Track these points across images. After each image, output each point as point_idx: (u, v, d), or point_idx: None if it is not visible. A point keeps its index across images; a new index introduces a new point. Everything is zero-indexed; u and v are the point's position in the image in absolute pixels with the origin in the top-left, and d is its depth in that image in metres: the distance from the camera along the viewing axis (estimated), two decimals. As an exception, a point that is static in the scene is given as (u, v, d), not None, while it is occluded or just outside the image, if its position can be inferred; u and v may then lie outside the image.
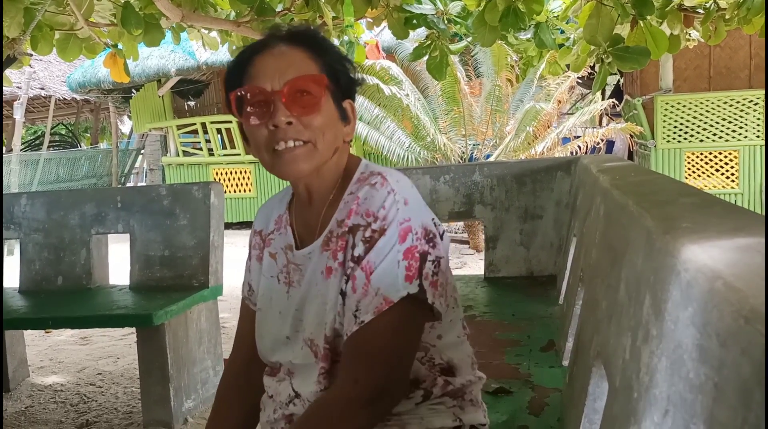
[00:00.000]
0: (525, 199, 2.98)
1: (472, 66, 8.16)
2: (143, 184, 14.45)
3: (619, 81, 10.08)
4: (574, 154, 7.28)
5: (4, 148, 17.70)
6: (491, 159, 7.37)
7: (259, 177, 9.82)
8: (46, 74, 12.65)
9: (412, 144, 7.56)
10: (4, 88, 9.89)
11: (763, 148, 6.99)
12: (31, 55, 4.90)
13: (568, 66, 3.91)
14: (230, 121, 9.80)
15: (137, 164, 14.86)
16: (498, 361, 1.86)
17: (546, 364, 1.81)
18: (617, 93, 10.17)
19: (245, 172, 9.89)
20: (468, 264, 6.04)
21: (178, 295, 2.77)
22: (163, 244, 3.02)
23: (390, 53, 8.27)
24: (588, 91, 10.95)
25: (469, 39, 3.95)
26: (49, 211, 3.21)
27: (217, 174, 10.03)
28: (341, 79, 1.08)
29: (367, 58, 4.44)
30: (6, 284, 3.37)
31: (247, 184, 9.88)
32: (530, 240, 2.95)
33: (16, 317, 2.80)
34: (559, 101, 7.72)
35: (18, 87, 10.67)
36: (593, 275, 1.30)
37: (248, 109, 1.03)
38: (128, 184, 14.29)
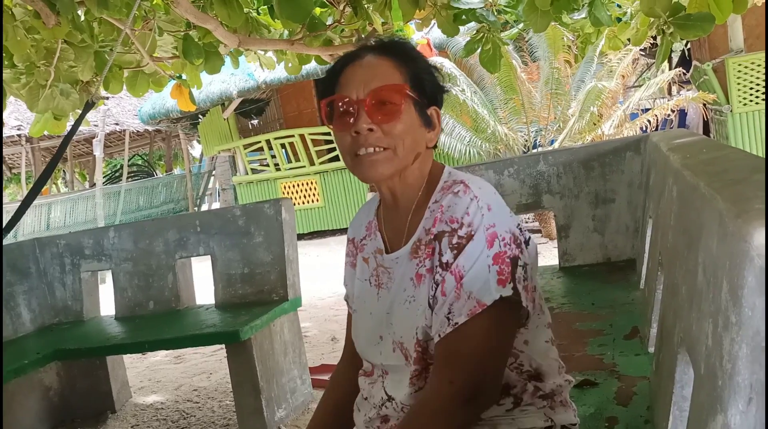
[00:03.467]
0: (594, 184, 2.91)
1: (527, 51, 8.01)
2: (217, 204, 14.97)
3: (685, 47, 9.64)
4: (644, 129, 7.02)
5: (86, 184, 18.73)
6: (556, 144, 7.22)
7: (325, 187, 9.99)
8: (118, 110, 13.34)
9: (472, 138, 7.50)
10: (82, 127, 10.48)
11: None
12: (108, 97, 5.19)
13: (629, 40, 3.79)
14: (293, 136, 10.02)
15: (210, 186, 15.41)
16: (580, 352, 1.83)
17: (631, 352, 1.77)
18: (685, 60, 9.73)
19: (311, 183, 10.08)
20: (542, 253, 5.94)
21: (261, 309, 2.87)
22: (242, 262, 3.14)
23: (442, 50, 8.24)
24: (654, 60, 10.53)
25: (521, 26, 3.89)
26: (135, 240, 3.39)
27: (284, 187, 10.27)
28: (426, 87, 1.12)
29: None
30: (103, 312, 3.59)
31: (314, 195, 10.07)
32: (604, 225, 2.88)
33: (116, 343, 2.99)
34: (623, 76, 7.46)
35: (95, 125, 11.30)
36: (672, 259, 1.27)
37: (336, 116, 1.09)
38: (203, 206, 14.84)
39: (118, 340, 3.01)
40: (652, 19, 2.65)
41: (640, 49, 7.60)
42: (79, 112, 4.95)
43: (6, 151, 15.41)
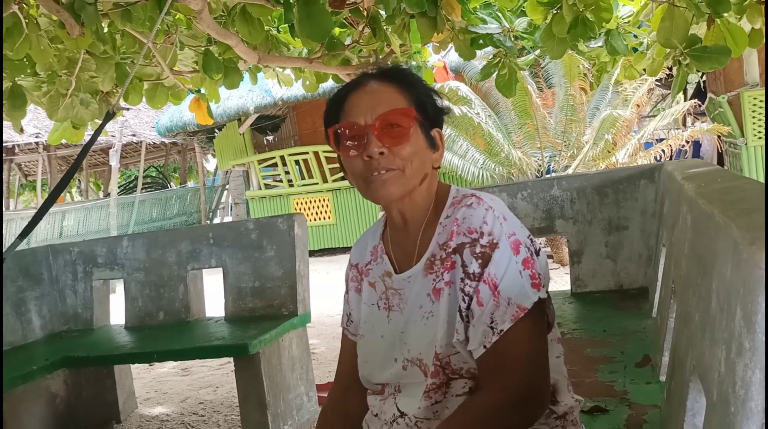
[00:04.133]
0: (608, 211, 2.91)
1: (543, 77, 8.05)
2: (229, 218, 15.06)
3: (701, 79, 9.65)
4: (659, 158, 7.01)
5: (101, 193, 18.91)
6: (570, 170, 7.22)
7: (337, 204, 10.04)
8: (136, 122, 13.50)
9: (486, 161, 7.52)
10: (99, 137, 10.63)
11: None
12: (128, 108, 5.27)
13: (644, 69, 3.81)
14: (307, 153, 10.10)
15: (223, 200, 15.52)
16: (591, 379, 1.82)
17: (642, 380, 1.76)
18: (700, 91, 9.74)
19: (324, 200, 10.13)
20: (553, 279, 5.92)
21: (270, 324, 2.88)
22: (253, 275, 3.16)
23: (458, 73, 8.30)
24: (669, 90, 10.54)
25: (537, 52, 3.92)
26: (148, 250, 3.42)
27: (297, 204, 10.33)
28: (429, 110, 1.16)
29: (435, 80, 4.50)
30: (113, 321, 3.61)
31: (326, 212, 10.11)
32: (617, 252, 2.88)
33: (124, 352, 3.00)
34: (638, 105, 7.48)
35: (112, 136, 11.44)
36: (685, 287, 1.27)
37: (345, 142, 1.13)
38: (216, 219, 14.93)
39: (127, 350, 3.02)
40: (668, 50, 2.67)
41: (656, 80, 7.62)
42: (98, 121, 5.03)
43: (23, 158, 15.61)
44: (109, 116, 2.65)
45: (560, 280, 5.76)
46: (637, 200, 2.86)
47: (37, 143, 12.89)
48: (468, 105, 7.50)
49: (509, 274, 1.03)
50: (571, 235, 2.96)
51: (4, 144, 12.58)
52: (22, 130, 5.61)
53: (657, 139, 7.68)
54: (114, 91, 5.18)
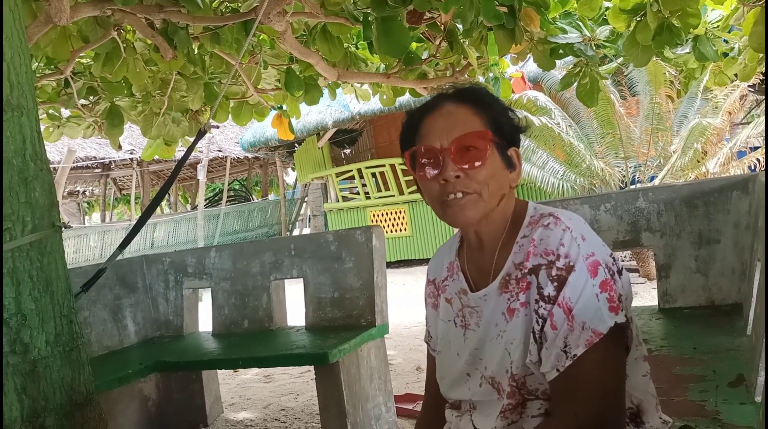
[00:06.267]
0: (698, 223, 2.79)
1: (626, 85, 7.81)
2: (308, 229, 15.40)
3: (799, 83, 9.06)
4: (753, 168, 6.64)
5: (188, 206, 19.78)
6: (656, 180, 6.95)
7: (413, 216, 10.07)
8: (222, 137, 14.09)
9: (566, 172, 7.36)
10: (195, 154, 11.12)
11: None
12: (217, 126, 5.52)
13: (735, 75, 3.64)
14: (383, 165, 10.21)
15: (302, 212, 15.90)
16: (680, 398, 1.75)
17: (736, 400, 1.68)
18: (799, 96, 9.14)
19: (400, 212, 10.19)
20: (639, 294, 5.70)
21: (349, 334, 2.93)
22: (333, 286, 3.23)
23: (536, 83, 8.18)
24: (763, 96, 9.98)
25: (620, 60, 3.82)
26: (234, 261, 3.56)
27: (374, 216, 10.44)
28: (505, 130, 1.15)
29: (513, 91, 4.46)
30: (201, 328, 3.77)
31: (402, 224, 10.17)
32: (708, 266, 2.75)
33: (212, 358, 3.13)
34: (730, 112, 7.12)
35: (200, 151, 11.99)
36: (782, 303, 1.21)
37: (421, 165, 1.13)
38: (295, 231, 15.31)
39: (214, 356, 3.15)
40: (761, 55, 2.55)
41: (749, 85, 7.24)
42: (188, 138, 5.30)
43: (118, 173, 16.59)
44: (201, 134, 2.80)
45: (646, 295, 5.54)
46: (730, 212, 2.73)
47: (131, 159, 13.69)
48: (547, 115, 7.38)
49: (585, 298, 1.01)
50: (658, 249, 2.85)
51: (101, 160, 13.42)
52: (119, 147, 5.97)
53: (751, 148, 7.28)
54: (203, 109, 5.44)
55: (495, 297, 1.12)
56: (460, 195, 1.09)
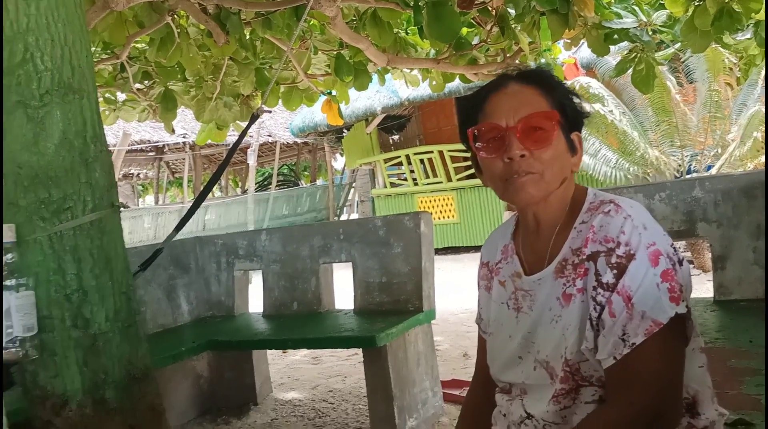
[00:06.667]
0: (757, 214, 2.69)
1: (683, 72, 7.55)
2: (355, 215, 15.52)
3: None
4: (818, 157, 6.34)
5: (238, 190, 20.17)
6: (713, 170, 6.73)
7: (461, 203, 10.02)
8: (271, 122, 14.30)
9: (619, 160, 7.19)
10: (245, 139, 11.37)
11: None
12: (270, 111, 5.61)
13: (801, 60, 3.48)
14: (431, 152, 10.18)
15: (350, 197, 16.02)
16: (735, 391, 1.71)
17: (793, 395, 1.63)
18: None
19: (448, 199, 10.15)
20: (693, 286, 5.53)
21: (396, 318, 2.95)
22: (381, 271, 3.25)
23: (589, 69, 8.00)
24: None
25: (678, 46, 3.70)
26: (284, 244, 3.63)
27: (421, 202, 10.44)
28: (569, 113, 1.15)
29: (565, 78, 4.38)
30: (251, 309, 3.86)
31: (450, 211, 10.13)
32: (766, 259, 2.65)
33: (262, 339, 3.22)
34: (793, 99, 6.81)
35: (250, 136, 12.20)
36: None
37: (485, 143, 1.14)
38: (342, 216, 15.45)
39: (265, 336, 3.23)
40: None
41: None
42: (240, 123, 5.40)
43: (171, 156, 17.02)
44: (254, 118, 2.85)
45: (701, 287, 5.38)
46: (792, 203, 2.62)
47: (183, 143, 14.03)
48: (600, 102, 7.21)
49: (645, 287, 1.00)
50: (714, 240, 2.77)
51: (155, 143, 13.80)
52: (173, 131, 6.12)
53: (817, 137, 6.95)
54: (253, 94, 5.52)
55: (550, 281, 1.12)
56: (524, 174, 1.09)
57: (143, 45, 3.85)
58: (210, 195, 20.18)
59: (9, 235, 1.49)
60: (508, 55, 4.09)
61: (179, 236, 3.42)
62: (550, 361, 1.10)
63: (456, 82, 4.74)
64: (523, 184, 1.10)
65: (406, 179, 10.76)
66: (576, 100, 1.17)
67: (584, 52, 7.14)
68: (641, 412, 0.98)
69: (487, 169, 1.15)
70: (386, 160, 11.03)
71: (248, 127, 2.95)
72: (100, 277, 1.61)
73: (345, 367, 4.12)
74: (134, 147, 13.10)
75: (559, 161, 1.11)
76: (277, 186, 16.15)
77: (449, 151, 10.01)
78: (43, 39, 1.55)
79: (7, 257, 1.49)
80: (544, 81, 1.15)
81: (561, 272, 1.10)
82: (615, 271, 1.02)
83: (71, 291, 1.56)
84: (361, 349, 3.01)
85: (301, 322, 3.28)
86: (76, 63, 1.60)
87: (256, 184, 16.79)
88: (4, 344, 1.46)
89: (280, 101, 5.13)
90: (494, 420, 1.24)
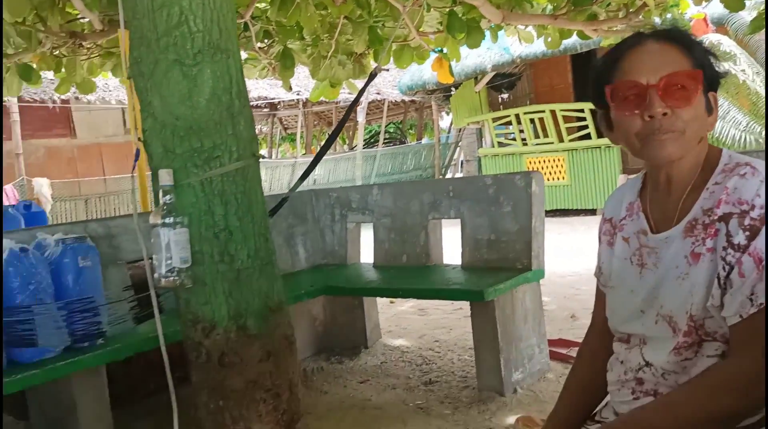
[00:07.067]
0: None
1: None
2: (460, 174, 15.49)
3: None
4: None
5: (346, 147, 20.63)
6: None
7: (572, 165, 9.75)
8: (380, 80, 14.42)
9: (750, 123, 6.71)
10: (348, 96, 11.58)
11: None
12: (387, 69, 5.71)
13: None
14: (543, 111, 9.92)
15: (455, 156, 15.98)
16: None
17: None
18: None
19: (559, 160, 9.91)
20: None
21: (505, 275, 3.02)
22: (490, 228, 3.31)
23: (720, 25, 7.43)
24: None
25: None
26: (395, 199, 3.76)
27: (530, 163, 10.25)
28: (707, 72, 1.15)
29: (693, 34, 4.13)
30: (363, 260, 4.05)
31: (560, 172, 9.89)
32: None
33: (375, 286, 3.41)
34: None
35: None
36: None
37: (623, 100, 1.15)
38: (447, 175, 15.47)
39: (376, 285, 3.41)
40: None
41: None
42: (353, 81, 5.54)
43: (284, 113, 17.65)
44: (373, 76, 2.96)
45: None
46: None
47: (297, 100, 14.50)
48: (731, 61, 6.72)
49: None
50: None
51: (271, 100, 14.36)
52: (290, 88, 6.38)
53: None
54: (366, 52, 5.63)
55: (678, 240, 1.14)
56: (664, 133, 1.11)
57: (265, 5, 4.03)
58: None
59: (167, 178, 1.70)
60: (630, 10, 3.92)
61: (297, 189, 3.64)
62: (674, 316, 1.13)
63: (572, 39, 4.60)
64: (663, 142, 1.11)
65: (514, 139, 10.58)
66: (713, 59, 1.16)
67: (715, 6, 6.63)
68: (763, 369, 1.00)
69: (622, 127, 1.17)
70: (494, 120, 10.88)
71: (367, 84, 3.07)
72: (243, 219, 1.79)
73: (450, 320, 4.25)
74: (252, 103, 13.68)
75: (698, 121, 1.13)
76: (383, 143, 16.38)
77: (562, 110, 9.72)
78: (196, 3, 1.71)
79: (166, 198, 1.70)
80: (684, 39, 1.15)
81: (690, 232, 1.12)
82: (747, 233, 1.03)
83: (219, 230, 1.76)
84: (465, 304, 3.10)
85: (410, 274, 3.42)
86: (223, 25, 1.76)
87: (363, 141, 17.13)
88: (164, 273, 1.68)
89: (392, 59, 5.21)
90: (610, 366, 1.29)
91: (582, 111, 9.53)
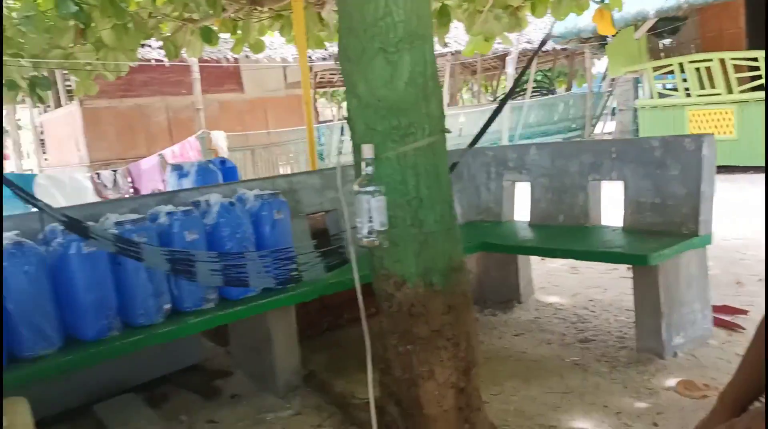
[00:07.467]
0: None
1: None
2: (612, 125, 14.78)
3: None
4: None
5: (490, 97, 20.30)
6: None
7: (742, 119, 9.01)
8: (531, 29, 14.01)
9: None
10: (497, 45, 11.41)
11: None
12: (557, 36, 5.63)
13: None
14: (710, 60, 9.19)
15: (607, 106, 15.25)
16: None
17: None
18: None
19: (726, 113, 9.19)
20: None
21: (669, 240, 3.01)
22: (654, 192, 3.29)
23: None
24: None
25: None
26: (553, 159, 3.81)
27: (693, 116, 9.61)
28: None
29: None
30: (517, 218, 4.17)
31: (727, 126, 9.19)
32: None
33: (531, 245, 3.53)
34: None
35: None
36: None
37: None
38: (598, 125, 14.84)
39: (532, 243, 3.53)
40: None
41: None
42: (507, 35, 5.55)
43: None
44: (544, 42, 3.03)
45: None
46: None
47: (446, 53, 14.51)
48: None
49: None
50: None
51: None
52: (445, 44, 6.51)
53: None
54: (522, 4, 5.60)
55: None
56: None
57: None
58: (461, 102, 20.63)
59: (369, 152, 1.94)
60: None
61: (452, 146, 3.81)
62: None
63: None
64: None
65: (676, 90, 9.92)
66: None
67: None
68: None
69: None
70: (655, 69, 10.23)
71: (540, 47, 3.14)
72: (431, 189, 2.01)
73: (604, 280, 4.27)
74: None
75: None
76: (531, 94, 15.98)
77: (732, 59, 8.94)
78: (398, -5, 1.90)
79: (368, 170, 1.95)
80: None
81: None
82: None
83: (411, 198, 1.98)
84: (619, 265, 3.08)
85: (567, 234, 3.49)
86: (421, 13, 1.94)
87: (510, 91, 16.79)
88: (365, 234, 1.94)
89: (549, 11, 5.13)
90: None
91: (755, 60, 8.71)
